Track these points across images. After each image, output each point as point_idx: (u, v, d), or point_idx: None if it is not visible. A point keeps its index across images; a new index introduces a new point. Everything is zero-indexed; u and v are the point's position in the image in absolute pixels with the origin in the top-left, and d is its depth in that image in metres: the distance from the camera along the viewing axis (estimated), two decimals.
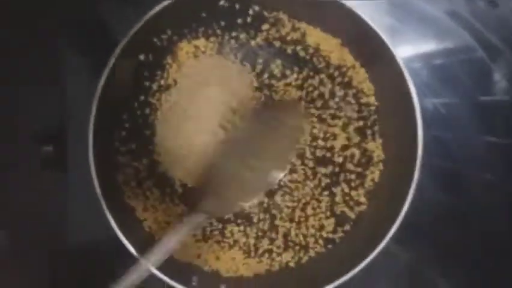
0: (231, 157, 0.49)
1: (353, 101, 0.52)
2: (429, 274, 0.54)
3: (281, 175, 0.49)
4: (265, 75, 0.52)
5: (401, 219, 0.46)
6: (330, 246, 0.51)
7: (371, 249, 0.46)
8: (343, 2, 0.48)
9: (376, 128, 0.52)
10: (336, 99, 0.52)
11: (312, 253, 0.52)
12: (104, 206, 0.46)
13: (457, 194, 0.54)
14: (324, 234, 0.52)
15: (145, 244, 0.44)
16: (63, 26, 0.55)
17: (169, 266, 0.45)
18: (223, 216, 0.51)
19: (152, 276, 0.44)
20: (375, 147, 0.52)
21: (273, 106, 0.51)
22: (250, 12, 0.52)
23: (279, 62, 0.52)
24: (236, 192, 0.46)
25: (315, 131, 0.52)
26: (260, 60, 0.53)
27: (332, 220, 0.52)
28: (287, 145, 0.48)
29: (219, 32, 0.52)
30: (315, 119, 0.52)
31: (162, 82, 0.52)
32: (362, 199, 0.52)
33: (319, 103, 0.52)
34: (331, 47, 0.52)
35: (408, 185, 0.46)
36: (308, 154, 0.52)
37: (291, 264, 0.51)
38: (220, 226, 0.52)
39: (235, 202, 0.46)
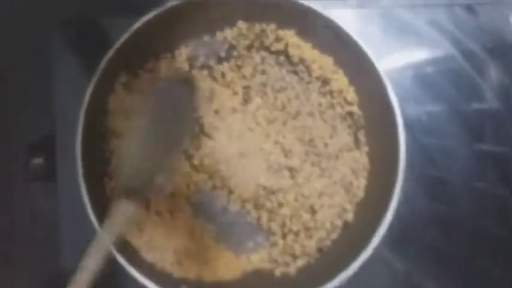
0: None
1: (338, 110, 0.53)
2: (419, 280, 0.54)
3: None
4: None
5: (387, 227, 0.46)
6: (317, 255, 0.51)
7: (358, 258, 0.46)
8: (324, 13, 0.49)
9: (361, 137, 0.52)
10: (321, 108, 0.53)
11: (300, 262, 0.51)
12: (93, 217, 0.47)
13: (444, 201, 0.55)
14: (313, 243, 0.52)
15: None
16: (54, 32, 0.55)
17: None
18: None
19: None
20: (361, 155, 0.52)
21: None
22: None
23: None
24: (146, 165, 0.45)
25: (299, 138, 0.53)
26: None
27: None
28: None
29: None
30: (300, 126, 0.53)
31: None
32: (348, 207, 0.52)
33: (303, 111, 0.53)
34: (314, 57, 0.53)
35: (392, 192, 0.47)
36: (298, 162, 0.52)
37: (278, 273, 0.51)
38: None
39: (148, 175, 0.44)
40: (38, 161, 0.54)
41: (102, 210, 0.47)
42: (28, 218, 0.55)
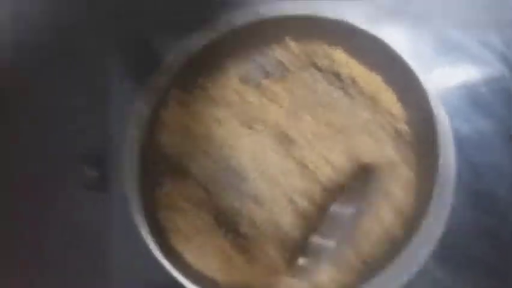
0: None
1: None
2: None
3: None
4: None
5: (436, 240, 0.47)
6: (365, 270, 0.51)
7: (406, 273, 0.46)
8: (372, 31, 0.50)
9: (409, 153, 0.52)
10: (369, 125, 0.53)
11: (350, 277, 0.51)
12: (141, 224, 0.49)
13: (492, 215, 0.54)
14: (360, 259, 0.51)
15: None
16: (110, 54, 0.58)
17: None
18: None
19: None
20: (410, 172, 0.52)
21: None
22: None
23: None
24: None
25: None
26: None
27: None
28: None
29: None
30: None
31: None
32: (397, 221, 0.51)
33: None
34: (362, 74, 0.54)
35: (443, 206, 0.47)
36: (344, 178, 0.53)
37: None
38: None
39: None
40: (92, 171, 0.56)
41: (152, 221, 0.50)
42: (78, 228, 0.56)
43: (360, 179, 0.51)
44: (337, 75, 0.54)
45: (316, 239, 0.49)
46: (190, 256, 0.51)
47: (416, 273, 0.46)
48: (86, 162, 0.56)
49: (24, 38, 0.60)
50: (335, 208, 0.49)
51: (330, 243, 0.48)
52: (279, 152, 0.53)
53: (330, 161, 0.52)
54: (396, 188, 0.51)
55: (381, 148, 0.52)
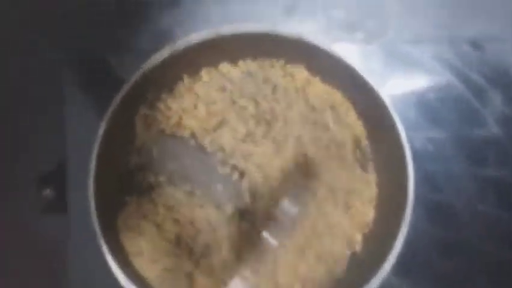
0: None
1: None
2: None
3: None
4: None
5: (397, 254, 0.47)
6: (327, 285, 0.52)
7: (369, 282, 0.47)
8: (329, 49, 0.51)
9: (370, 168, 0.54)
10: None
11: None
12: (105, 249, 0.47)
13: (449, 225, 0.55)
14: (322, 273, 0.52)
15: None
16: (66, 68, 0.56)
17: None
18: None
19: None
20: (368, 184, 0.53)
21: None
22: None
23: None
24: None
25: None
26: None
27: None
28: None
29: None
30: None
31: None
32: (358, 237, 0.52)
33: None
34: (322, 91, 0.54)
35: (401, 220, 0.48)
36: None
37: None
38: None
39: None
40: (48, 192, 0.54)
41: (113, 242, 0.49)
42: (39, 250, 0.54)
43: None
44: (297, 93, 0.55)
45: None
46: (156, 281, 0.50)
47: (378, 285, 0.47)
48: (43, 183, 0.54)
49: None
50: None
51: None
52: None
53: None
54: (357, 203, 0.53)
55: (343, 164, 0.53)
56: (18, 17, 0.58)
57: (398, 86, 0.58)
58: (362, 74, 0.50)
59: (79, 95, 0.56)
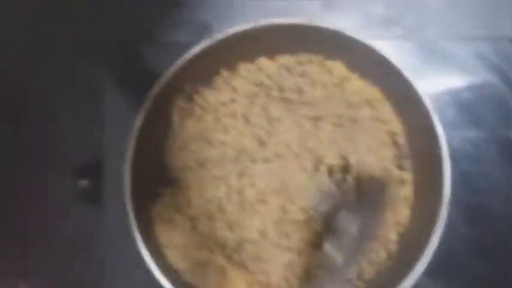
0: None
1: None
2: None
3: None
4: None
5: (431, 255, 0.46)
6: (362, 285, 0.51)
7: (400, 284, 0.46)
8: (371, 45, 0.50)
9: (406, 166, 0.53)
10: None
11: None
12: (138, 240, 0.47)
13: (485, 228, 0.54)
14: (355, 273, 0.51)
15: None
16: (105, 63, 0.57)
17: None
18: None
19: None
20: (405, 183, 0.52)
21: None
22: None
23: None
24: None
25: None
26: None
27: None
28: None
29: None
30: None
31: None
32: (393, 236, 0.52)
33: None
34: (361, 87, 0.54)
35: (436, 220, 0.47)
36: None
37: None
38: None
39: None
40: (84, 182, 0.55)
41: (147, 235, 0.49)
42: (73, 240, 0.55)
43: (364, 193, 0.52)
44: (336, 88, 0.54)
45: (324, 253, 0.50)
46: (188, 273, 0.50)
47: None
48: (79, 173, 0.55)
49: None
50: (341, 222, 0.49)
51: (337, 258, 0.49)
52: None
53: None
54: (396, 203, 0.52)
55: (380, 161, 0.53)
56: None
57: (436, 83, 0.57)
58: (400, 70, 0.49)
59: (117, 86, 0.57)
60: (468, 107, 0.57)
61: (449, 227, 0.47)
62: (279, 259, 0.50)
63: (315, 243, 0.50)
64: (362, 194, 0.52)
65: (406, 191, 0.52)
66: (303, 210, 0.51)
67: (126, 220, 0.48)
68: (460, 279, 0.53)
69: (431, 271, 0.46)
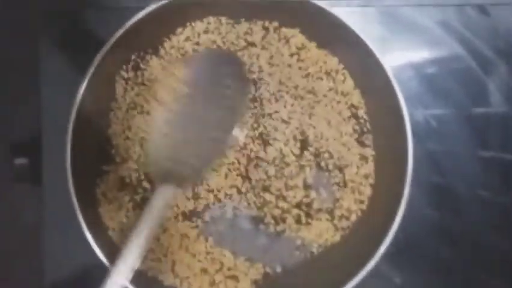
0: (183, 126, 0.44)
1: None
2: None
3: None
4: None
5: (392, 236, 0.45)
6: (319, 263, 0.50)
7: (361, 267, 0.44)
8: (331, 11, 0.47)
9: (367, 141, 0.51)
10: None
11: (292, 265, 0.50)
12: (81, 219, 0.45)
13: (448, 209, 0.53)
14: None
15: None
16: (42, 34, 0.53)
17: None
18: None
19: None
20: (366, 160, 0.51)
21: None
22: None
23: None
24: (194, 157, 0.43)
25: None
26: None
27: None
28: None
29: None
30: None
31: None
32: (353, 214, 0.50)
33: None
34: (318, 56, 0.51)
35: (399, 200, 0.45)
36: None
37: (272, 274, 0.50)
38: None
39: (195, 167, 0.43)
40: (22, 161, 0.52)
41: (92, 215, 0.47)
42: (11, 221, 0.53)
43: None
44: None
45: None
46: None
47: (369, 272, 0.44)
48: (16, 152, 0.52)
49: None
50: None
51: None
52: None
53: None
54: (357, 180, 0.50)
55: (339, 136, 0.51)
56: None
57: (398, 54, 0.55)
58: (363, 39, 0.47)
59: (56, 56, 0.52)
60: (431, 79, 0.54)
61: (411, 207, 0.46)
62: None
63: None
64: (321, 170, 0.50)
65: (367, 168, 0.50)
66: None
67: (69, 200, 0.45)
68: (419, 260, 0.52)
69: (391, 252, 0.45)
